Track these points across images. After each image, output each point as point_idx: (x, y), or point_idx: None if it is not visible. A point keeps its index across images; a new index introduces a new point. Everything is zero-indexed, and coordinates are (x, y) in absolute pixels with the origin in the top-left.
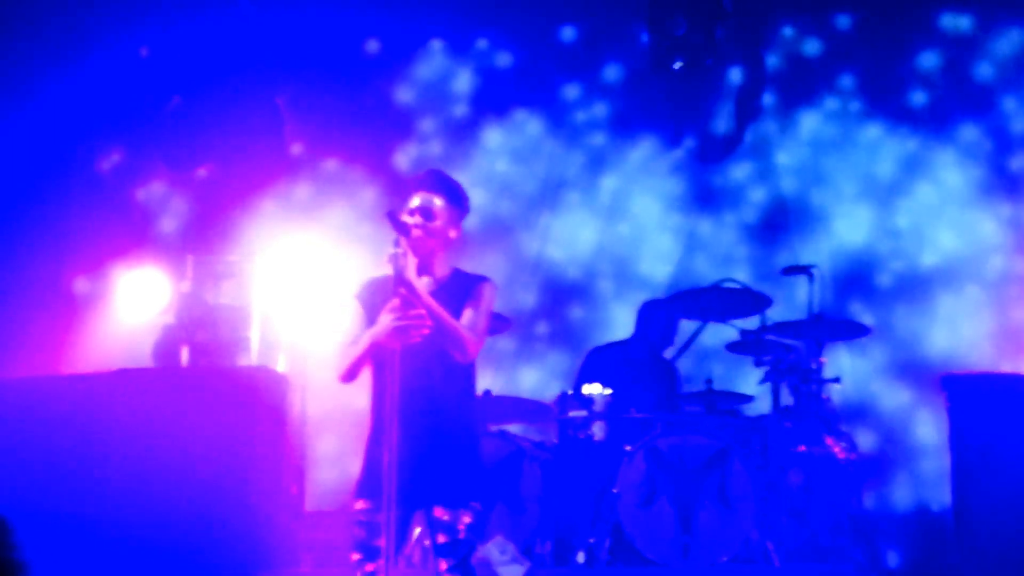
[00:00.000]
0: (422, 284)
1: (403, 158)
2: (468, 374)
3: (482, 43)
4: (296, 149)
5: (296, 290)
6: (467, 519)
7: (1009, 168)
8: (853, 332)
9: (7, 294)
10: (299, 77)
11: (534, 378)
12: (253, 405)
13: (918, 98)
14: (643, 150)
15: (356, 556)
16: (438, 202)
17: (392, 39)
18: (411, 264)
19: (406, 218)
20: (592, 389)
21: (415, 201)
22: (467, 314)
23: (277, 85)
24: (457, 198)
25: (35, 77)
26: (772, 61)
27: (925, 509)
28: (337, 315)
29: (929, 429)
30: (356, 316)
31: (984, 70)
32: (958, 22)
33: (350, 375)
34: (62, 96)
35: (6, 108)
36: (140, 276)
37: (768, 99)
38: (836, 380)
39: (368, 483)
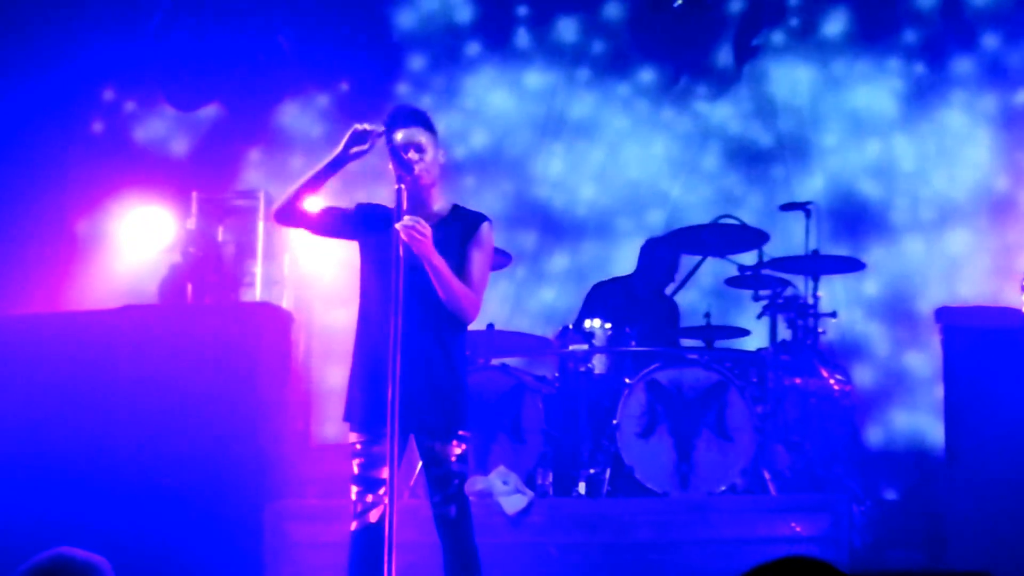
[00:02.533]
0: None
1: (404, 89)
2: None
3: None
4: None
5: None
6: (458, 451)
7: (1008, 102)
8: (849, 267)
9: (11, 234)
10: (299, 11)
11: (536, 312)
12: (258, 341)
13: (912, 35)
14: (642, 87)
15: (355, 489)
16: (421, 135)
17: None
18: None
19: (409, 157)
20: (593, 323)
21: (399, 137)
22: (472, 267)
23: (279, 23)
24: (432, 125)
25: (36, 16)
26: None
27: (920, 441)
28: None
29: (924, 363)
30: (343, 206)
31: (979, 3)
32: None
33: (283, 210)
34: (65, 34)
35: (5, 49)
36: (145, 214)
37: (766, 37)
38: (832, 315)
39: (357, 415)
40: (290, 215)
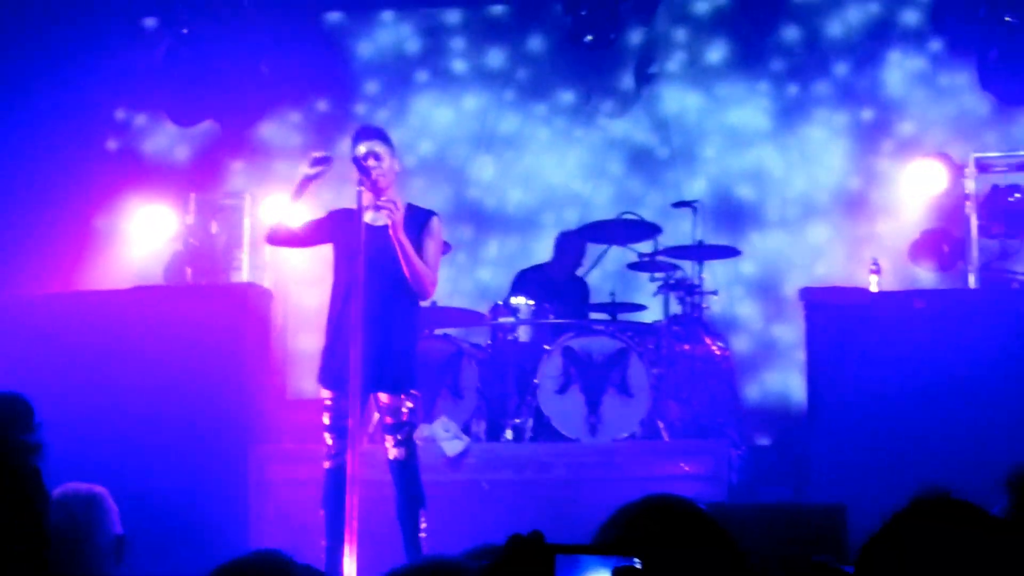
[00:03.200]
0: (381, 216)
1: (362, 108)
2: (413, 292)
3: (429, 13)
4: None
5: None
6: (409, 404)
7: (858, 118)
8: (727, 254)
9: (41, 229)
10: (280, 43)
11: (472, 292)
12: (244, 313)
13: (779, 63)
14: (559, 107)
15: (327, 436)
16: (378, 147)
17: (348, 10)
18: (370, 198)
19: (368, 165)
20: (519, 301)
21: (361, 150)
22: (426, 253)
23: (262, 51)
24: (388, 139)
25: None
26: (663, 32)
27: (786, 397)
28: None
29: (789, 332)
30: (316, 217)
31: (833, 36)
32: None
33: (273, 238)
34: (84, 64)
35: (40, 77)
36: (151, 211)
37: (660, 66)
38: (714, 293)
39: (330, 373)
40: (278, 241)
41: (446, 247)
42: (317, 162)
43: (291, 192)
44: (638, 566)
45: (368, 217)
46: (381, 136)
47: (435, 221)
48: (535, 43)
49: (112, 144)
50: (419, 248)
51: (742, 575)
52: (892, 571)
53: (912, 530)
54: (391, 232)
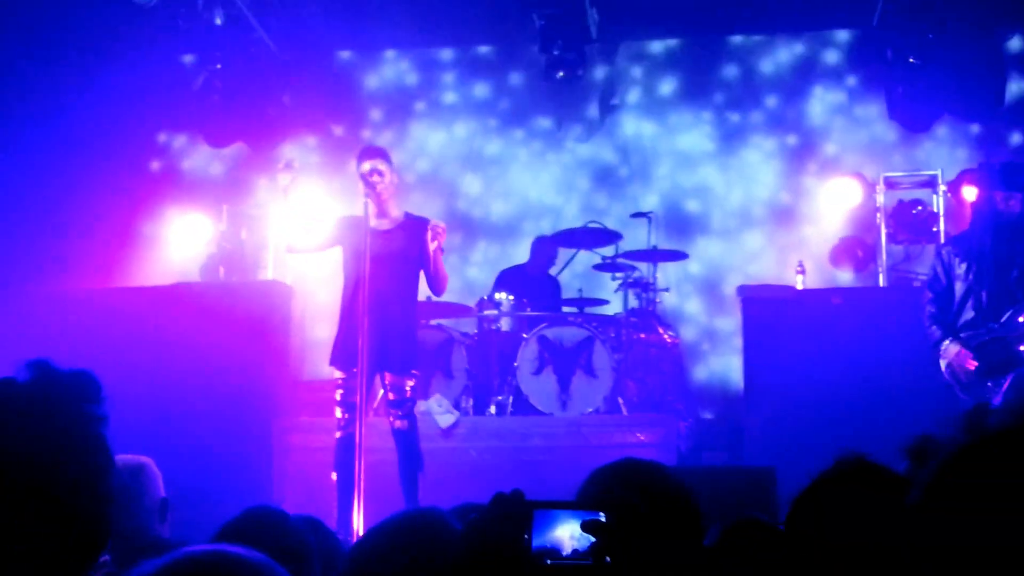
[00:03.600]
0: (385, 223)
1: (368, 133)
2: (415, 286)
3: (425, 52)
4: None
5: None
6: (411, 383)
7: (785, 143)
8: (677, 257)
9: (97, 235)
10: (299, 77)
11: (461, 288)
12: (269, 307)
13: (720, 96)
14: (536, 132)
15: (339, 410)
16: (380, 164)
17: (357, 49)
18: (375, 208)
19: (372, 179)
20: (501, 296)
21: (366, 167)
22: (436, 261)
23: (285, 83)
24: (389, 158)
25: (113, 79)
26: (623, 69)
27: (726, 377)
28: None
29: (729, 323)
30: (329, 224)
31: (765, 73)
32: (750, 40)
33: (291, 248)
34: (134, 95)
35: (95, 106)
36: (190, 220)
37: (620, 98)
38: (666, 290)
39: (342, 357)
40: (295, 250)
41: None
42: (287, 167)
43: (281, 197)
44: (603, 519)
45: (373, 223)
46: (383, 155)
47: (429, 227)
48: (515, 78)
49: (155, 164)
50: (421, 253)
51: (695, 526)
52: (816, 522)
53: (832, 486)
54: (430, 250)
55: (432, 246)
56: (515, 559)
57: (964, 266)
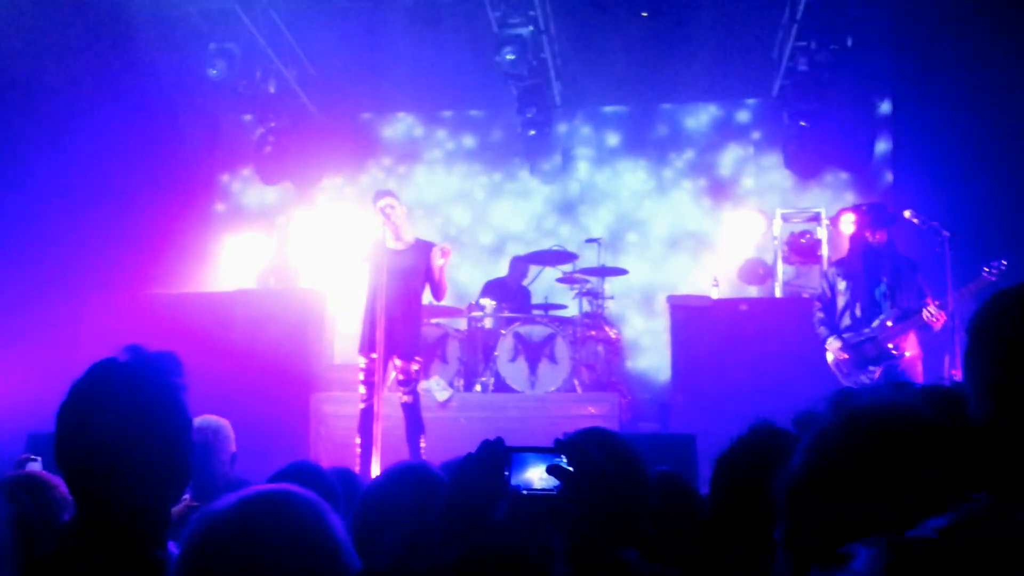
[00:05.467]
0: (399, 245)
1: (381, 175)
2: (420, 293)
3: (429, 113)
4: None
5: (331, 245)
6: (415, 367)
7: (704, 185)
8: (620, 272)
9: (176, 254)
10: (332, 131)
11: (455, 295)
12: (307, 308)
13: (652, 148)
14: (513, 175)
15: (361, 388)
16: (392, 201)
17: (376, 111)
18: (390, 233)
19: (387, 211)
20: (485, 301)
21: (381, 203)
22: (437, 274)
23: (321, 136)
24: (396, 195)
25: (188, 133)
26: (580, 127)
27: (658, 367)
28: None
29: (659, 325)
30: (364, 254)
31: (690, 128)
32: (678, 106)
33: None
34: (204, 145)
35: (175, 150)
36: (248, 241)
37: (580, 149)
38: (611, 298)
39: (364, 346)
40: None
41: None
42: (381, 211)
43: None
44: (564, 462)
45: (390, 244)
46: (392, 194)
47: (435, 248)
48: (496, 134)
49: (220, 205)
50: (429, 269)
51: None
52: (737, 478)
53: (749, 442)
54: (436, 266)
55: (440, 263)
56: (497, 488)
57: (844, 283)
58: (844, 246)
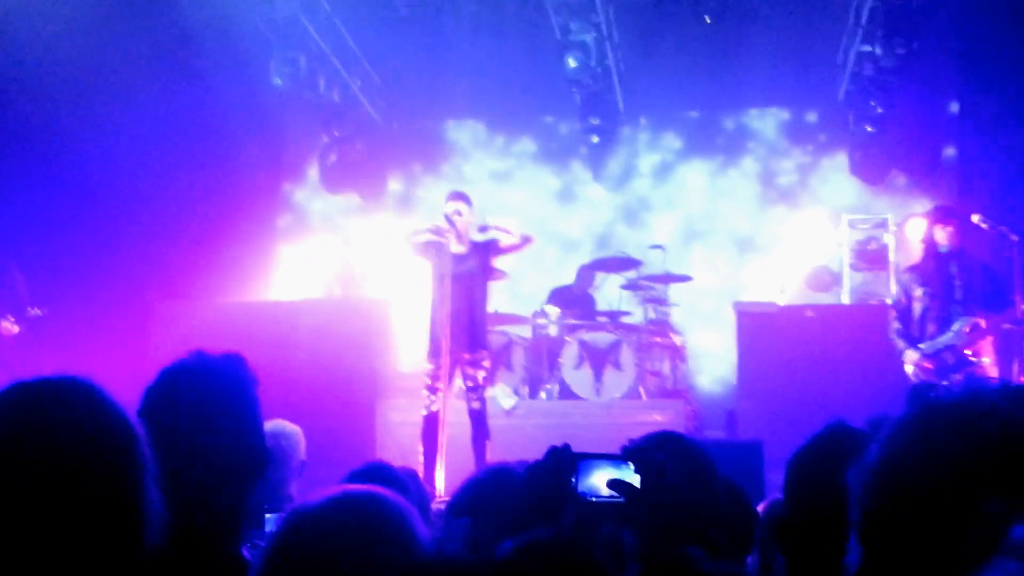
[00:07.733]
0: (461, 248)
1: (444, 182)
2: (485, 297)
3: (490, 120)
4: (393, 184)
5: (394, 255)
6: (482, 373)
7: (769, 192)
8: (684, 279)
9: (247, 263)
10: (393, 139)
11: (521, 302)
12: (373, 316)
13: (718, 154)
14: (579, 181)
15: (426, 393)
16: (462, 206)
17: (440, 118)
18: (453, 238)
19: (453, 217)
20: (550, 309)
21: (450, 207)
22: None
23: (383, 143)
24: (469, 200)
25: (256, 151)
26: (643, 133)
27: (724, 374)
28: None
29: (726, 331)
30: (424, 239)
31: (757, 133)
32: (743, 112)
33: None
34: (271, 157)
35: (246, 162)
36: (310, 248)
37: (644, 155)
38: (676, 304)
39: (431, 354)
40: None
41: (502, 274)
42: (447, 218)
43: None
44: (631, 469)
45: (453, 248)
46: (464, 199)
47: (489, 231)
48: (560, 141)
49: (285, 215)
50: (488, 267)
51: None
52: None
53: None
54: (503, 244)
55: (493, 234)
56: (564, 495)
57: (920, 290)
58: (914, 252)
